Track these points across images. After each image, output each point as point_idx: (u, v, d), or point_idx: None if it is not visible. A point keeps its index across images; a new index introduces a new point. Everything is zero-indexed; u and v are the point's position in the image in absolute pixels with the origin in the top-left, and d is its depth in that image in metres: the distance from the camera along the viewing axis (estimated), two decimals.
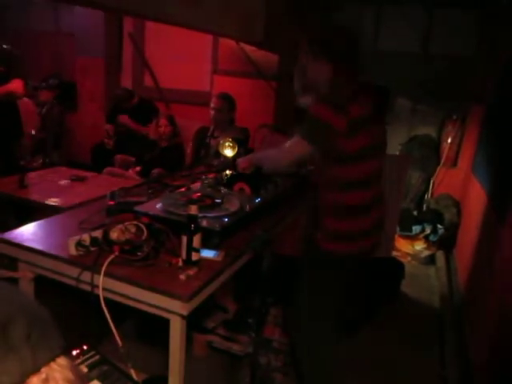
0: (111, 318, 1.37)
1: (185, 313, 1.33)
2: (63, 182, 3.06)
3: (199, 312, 2.49)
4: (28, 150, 3.68)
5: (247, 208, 1.81)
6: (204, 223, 1.59)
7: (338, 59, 1.68)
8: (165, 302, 1.34)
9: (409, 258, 3.78)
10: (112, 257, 1.42)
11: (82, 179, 3.16)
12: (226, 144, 2.60)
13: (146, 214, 1.65)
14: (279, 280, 2.80)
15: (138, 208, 1.73)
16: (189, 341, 2.44)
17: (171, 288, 1.34)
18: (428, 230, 3.80)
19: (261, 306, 2.72)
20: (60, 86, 4.95)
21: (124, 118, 4.40)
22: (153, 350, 2.28)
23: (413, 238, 3.82)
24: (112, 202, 1.91)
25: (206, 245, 1.54)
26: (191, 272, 1.41)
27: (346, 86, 1.69)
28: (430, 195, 4.17)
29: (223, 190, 2.01)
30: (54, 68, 5.14)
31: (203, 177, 2.18)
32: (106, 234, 1.50)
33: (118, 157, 4.21)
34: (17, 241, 1.58)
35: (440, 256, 3.79)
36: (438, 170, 4.18)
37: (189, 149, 4.01)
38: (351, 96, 1.67)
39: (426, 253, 3.75)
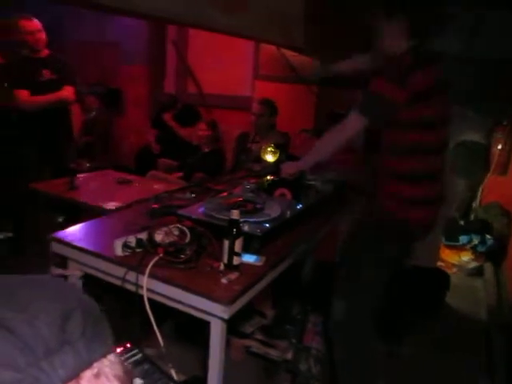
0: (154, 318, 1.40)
1: (225, 316, 1.34)
2: (110, 185, 3.16)
3: (237, 316, 2.52)
4: (76, 154, 3.83)
5: (288, 214, 1.81)
6: (245, 228, 1.60)
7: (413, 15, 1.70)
8: (206, 305, 1.35)
9: (454, 269, 3.64)
10: (156, 258, 1.45)
11: (128, 182, 3.25)
12: (268, 149, 2.62)
13: (188, 218, 1.68)
14: (319, 287, 2.78)
15: (182, 211, 1.76)
16: (226, 345, 2.47)
17: (213, 291, 1.35)
18: (476, 241, 3.65)
19: (301, 312, 2.73)
20: (106, 93, 5.14)
21: (168, 117, 4.52)
22: (191, 352, 2.30)
23: (459, 249, 3.68)
24: (156, 205, 1.96)
25: (246, 250, 1.55)
26: (233, 276, 1.42)
27: (410, 53, 1.70)
28: (477, 204, 4.01)
29: (264, 195, 2.01)
30: (99, 76, 5.34)
31: (244, 182, 2.19)
32: (150, 236, 1.54)
33: (162, 161, 4.32)
34: (67, 240, 1.65)
35: (488, 268, 3.62)
36: (486, 177, 4.02)
37: (229, 154, 4.06)
38: (415, 64, 1.67)
39: (473, 264, 3.60)
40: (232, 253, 1.46)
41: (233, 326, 2.50)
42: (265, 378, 2.35)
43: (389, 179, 1.81)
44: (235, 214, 1.47)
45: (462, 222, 3.83)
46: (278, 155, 2.55)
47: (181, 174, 3.94)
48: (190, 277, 1.43)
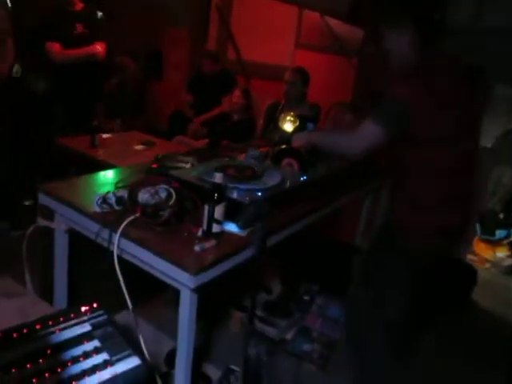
0: (125, 279, 1.33)
1: (191, 286, 1.24)
2: (135, 147, 3.13)
3: (242, 289, 2.44)
4: (103, 112, 3.83)
5: (287, 184, 1.66)
6: (234, 194, 1.48)
7: (420, 20, 1.52)
8: (173, 272, 1.26)
9: (487, 265, 3.36)
10: (131, 218, 1.37)
11: (150, 144, 3.21)
12: (287, 118, 2.46)
13: (178, 179, 1.58)
14: (331, 268, 2.63)
15: (173, 172, 1.67)
16: (228, 316, 2.40)
17: (182, 258, 1.26)
18: None
19: (307, 292, 2.61)
20: (146, 55, 5.09)
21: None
22: None
23: (495, 244, 3.38)
24: (154, 165, 1.88)
25: (231, 218, 1.44)
26: (207, 244, 1.32)
27: (425, 56, 1.53)
28: None
29: (268, 163, 1.88)
30: (142, 37, 5.28)
31: (250, 148, 2.06)
32: (130, 194, 1.46)
33: (191, 126, 4.24)
34: (54, 193, 1.60)
35: None
36: None
37: (260, 123, 3.91)
38: (431, 67, 1.51)
39: (509, 261, 3.30)
40: (211, 219, 1.35)
41: (235, 299, 2.43)
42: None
43: (402, 205, 1.66)
44: (218, 178, 1.35)
45: (501, 216, 3.50)
46: (297, 124, 2.39)
47: (207, 141, 3.84)
48: (164, 240, 1.34)
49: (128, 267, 1.36)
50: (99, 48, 3.39)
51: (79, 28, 3.34)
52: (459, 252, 3.07)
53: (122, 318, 1.39)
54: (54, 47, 3.30)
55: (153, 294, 2.39)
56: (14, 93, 3.01)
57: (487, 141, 3.68)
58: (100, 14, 3.43)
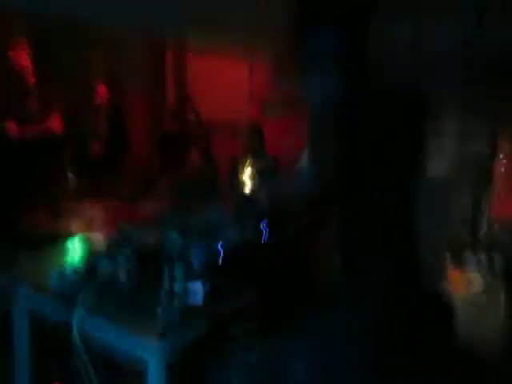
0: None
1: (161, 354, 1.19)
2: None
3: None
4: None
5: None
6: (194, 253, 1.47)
7: None
8: (136, 340, 1.21)
9: (462, 290, 3.37)
10: (89, 288, 1.33)
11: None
12: (248, 172, 2.53)
13: (136, 242, 1.57)
14: None
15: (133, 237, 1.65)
16: None
17: (144, 323, 1.22)
18: (484, 260, 3.39)
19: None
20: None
21: None
22: None
23: (466, 269, 3.41)
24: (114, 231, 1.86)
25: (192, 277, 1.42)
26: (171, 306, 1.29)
27: None
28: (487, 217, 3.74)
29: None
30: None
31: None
32: (89, 264, 1.43)
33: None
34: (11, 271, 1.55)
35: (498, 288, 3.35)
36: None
37: (223, 180, 3.97)
38: None
39: (482, 285, 3.33)
40: (172, 279, 1.33)
41: None
42: None
43: None
44: (175, 236, 1.35)
45: (467, 239, 3.57)
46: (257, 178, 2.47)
47: None
48: (124, 307, 1.31)
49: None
50: (56, 122, 3.43)
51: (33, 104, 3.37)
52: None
53: None
54: (10, 126, 3.30)
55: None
56: None
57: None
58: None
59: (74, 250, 1.78)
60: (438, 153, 3.67)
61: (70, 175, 3.83)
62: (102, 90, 4.13)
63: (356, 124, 2.04)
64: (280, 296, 2.49)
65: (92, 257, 1.49)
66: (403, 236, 1.40)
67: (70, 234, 2.44)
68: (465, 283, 3.38)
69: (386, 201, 1.39)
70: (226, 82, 4.80)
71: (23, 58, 3.27)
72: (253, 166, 2.56)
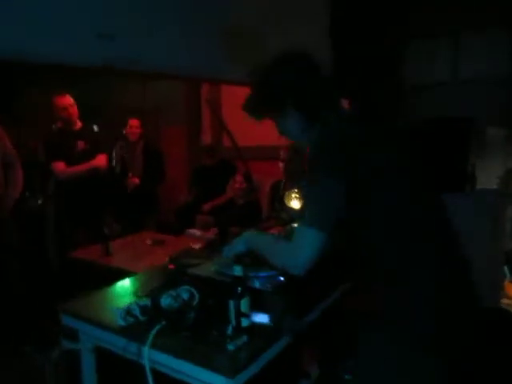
0: None
1: None
2: (144, 248, 3.15)
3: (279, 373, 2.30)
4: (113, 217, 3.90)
5: None
6: (256, 284, 1.46)
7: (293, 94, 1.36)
8: (209, 377, 1.20)
9: None
10: (158, 327, 1.34)
11: (161, 243, 3.23)
12: (292, 195, 2.50)
13: (198, 277, 1.57)
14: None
15: (192, 270, 1.66)
16: None
17: (214, 360, 1.21)
18: None
19: (345, 369, 2.46)
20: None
21: None
22: None
23: None
24: (171, 266, 1.87)
25: (258, 308, 1.40)
26: (240, 342, 1.27)
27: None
28: None
29: None
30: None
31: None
32: (153, 301, 1.44)
33: (199, 217, 4.30)
34: (76, 311, 1.59)
35: None
36: None
37: (265, 204, 3.97)
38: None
39: None
40: (239, 314, 1.32)
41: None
42: None
43: None
44: (238, 270, 1.34)
45: None
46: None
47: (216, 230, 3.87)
48: (194, 345, 1.30)
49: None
50: (100, 161, 3.56)
51: (80, 145, 3.52)
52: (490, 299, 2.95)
53: None
54: (59, 166, 3.45)
55: None
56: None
57: (492, 182, 3.70)
58: (96, 128, 3.63)
59: (134, 286, 1.82)
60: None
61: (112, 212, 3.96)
62: (136, 125, 4.27)
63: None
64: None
65: (154, 293, 1.49)
66: (458, 250, 1.29)
67: (124, 271, 2.51)
68: None
69: (440, 216, 1.32)
70: None
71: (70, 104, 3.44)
72: (296, 190, 2.53)
